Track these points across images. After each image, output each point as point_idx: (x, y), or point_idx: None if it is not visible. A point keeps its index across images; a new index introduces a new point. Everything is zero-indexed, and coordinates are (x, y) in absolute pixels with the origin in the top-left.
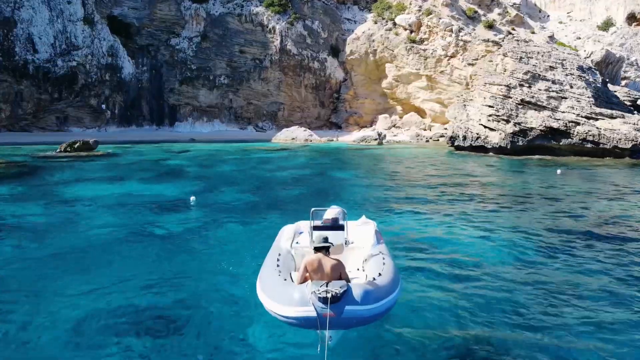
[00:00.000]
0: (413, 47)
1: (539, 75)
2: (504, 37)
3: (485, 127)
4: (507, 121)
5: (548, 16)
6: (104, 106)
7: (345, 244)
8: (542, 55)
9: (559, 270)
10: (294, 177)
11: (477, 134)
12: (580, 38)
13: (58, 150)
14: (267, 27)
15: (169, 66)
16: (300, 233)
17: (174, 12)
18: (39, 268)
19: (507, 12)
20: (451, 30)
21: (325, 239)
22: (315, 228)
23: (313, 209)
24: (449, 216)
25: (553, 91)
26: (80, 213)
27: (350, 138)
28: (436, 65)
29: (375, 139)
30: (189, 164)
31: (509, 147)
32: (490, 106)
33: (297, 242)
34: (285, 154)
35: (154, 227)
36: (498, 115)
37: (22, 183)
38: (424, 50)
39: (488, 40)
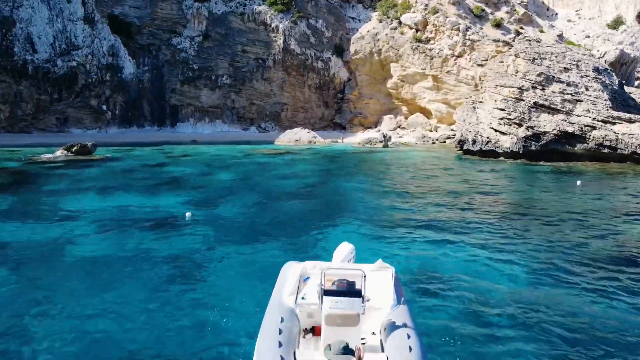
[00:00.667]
0: (419, 46)
1: (553, 77)
2: (515, 37)
3: (496, 130)
4: (520, 125)
5: (556, 14)
6: (104, 107)
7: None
8: (556, 56)
9: (592, 306)
10: (298, 187)
11: (488, 137)
12: (589, 37)
13: (55, 154)
14: (270, 26)
15: (171, 66)
16: (307, 279)
17: (176, 11)
18: (15, 297)
19: (515, 10)
20: (458, 29)
21: (345, 348)
22: (327, 293)
23: (326, 267)
24: (464, 238)
25: (568, 94)
26: (68, 232)
27: (355, 140)
28: (442, 65)
29: (381, 141)
30: (189, 171)
31: (521, 151)
32: (501, 109)
33: (302, 298)
34: (289, 158)
35: (145, 251)
36: (510, 119)
37: (12, 194)
38: (430, 49)
39: (498, 40)
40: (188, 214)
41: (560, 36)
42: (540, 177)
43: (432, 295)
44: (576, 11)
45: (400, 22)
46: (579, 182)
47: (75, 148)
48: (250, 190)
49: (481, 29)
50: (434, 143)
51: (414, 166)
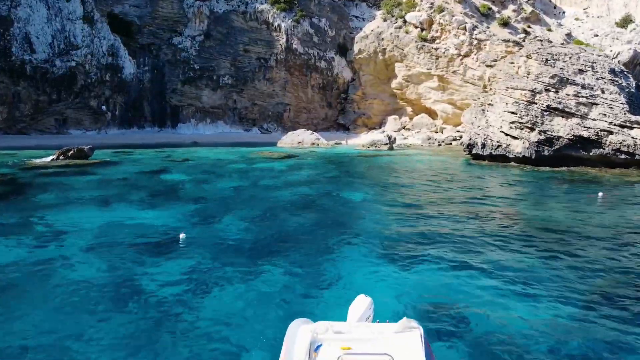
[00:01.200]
0: (424, 45)
1: (567, 79)
2: (525, 37)
3: (507, 134)
4: (532, 129)
5: (563, 12)
6: (104, 107)
7: None
8: (570, 57)
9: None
10: (301, 200)
11: (498, 142)
12: (597, 35)
13: (51, 158)
14: (273, 25)
15: (171, 66)
16: (318, 348)
17: (177, 10)
18: None
19: (523, 8)
20: (465, 28)
21: None
22: None
23: (340, 329)
24: (481, 261)
25: (582, 97)
26: (51, 252)
27: (359, 141)
28: (448, 64)
29: (386, 144)
30: (187, 178)
31: (533, 157)
32: (513, 112)
33: None
34: (291, 163)
35: (132, 280)
36: (521, 122)
37: None
38: (436, 49)
39: (508, 41)
40: (182, 235)
41: (569, 35)
42: (556, 187)
43: (452, 336)
44: (584, 9)
45: (405, 21)
46: (600, 194)
47: (71, 152)
48: (250, 203)
49: (488, 27)
50: (439, 145)
51: (421, 173)
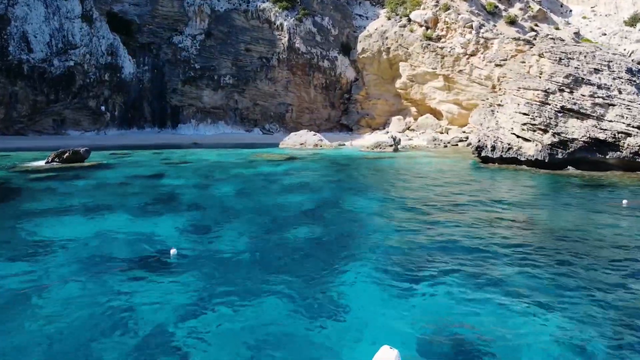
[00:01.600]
0: (429, 44)
1: (582, 79)
2: (535, 36)
3: (518, 137)
4: (545, 131)
5: (570, 11)
6: (103, 108)
7: None
8: (585, 56)
9: None
10: (304, 209)
11: (509, 144)
12: (606, 34)
13: (45, 161)
14: (275, 24)
15: (172, 65)
16: None
17: (177, 9)
18: None
19: (530, 6)
20: (471, 27)
21: None
22: None
23: None
24: (499, 283)
25: (599, 97)
26: (31, 269)
27: (363, 143)
28: (454, 64)
29: (391, 145)
30: (184, 183)
31: (546, 160)
32: (525, 113)
33: None
34: (294, 166)
35: (113, 307)
36: (534, 124)
37: None
38: (441, 48)
39: (519, 39)
40: (173, 251)
41: (577, 34)
42: (575, 193)
43: None
44: (591, 8)
45: (409, 20)
46: (624, 202)
47: (66, 155)
48: (249, 213)
49: (495, 26)
50: (445, 146)
51: (429, 177)
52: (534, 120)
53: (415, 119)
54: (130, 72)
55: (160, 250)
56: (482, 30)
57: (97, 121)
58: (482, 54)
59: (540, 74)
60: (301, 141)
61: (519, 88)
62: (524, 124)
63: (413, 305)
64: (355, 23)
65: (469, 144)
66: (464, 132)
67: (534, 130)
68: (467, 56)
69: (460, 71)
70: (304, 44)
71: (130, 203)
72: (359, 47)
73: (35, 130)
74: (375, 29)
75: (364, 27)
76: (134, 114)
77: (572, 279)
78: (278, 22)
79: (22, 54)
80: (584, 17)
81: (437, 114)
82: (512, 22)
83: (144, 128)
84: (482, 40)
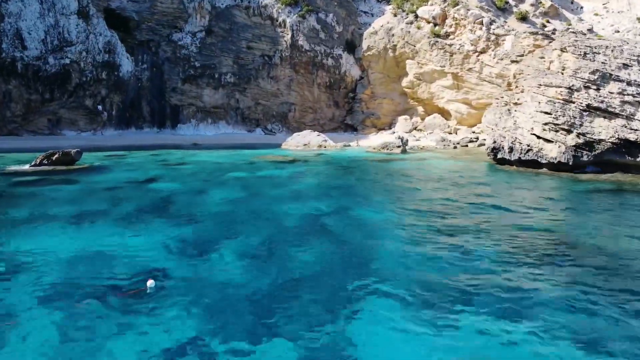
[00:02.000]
0: (437, 41)
1: (610, 74)
2: (554, 30)
3: (538, 137)
4: (569, 131)
5: (581, 7)
6: (100, 107)
7: None
8: (612, 51)
9: None
10: (310, 220)
11: (529, 145)
12: (619, 31)
13: (32, 164)
14: (277, 20)
15: (171, 63)
16: None
17: (177, 5)
18: None
19: (541, 2)
20: (481, 23)
21: None
22: None
23: None
24: (530, 316)
25: (628, 95)
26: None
27: (369, 144)
28: (463, 61)
29: (399, 146)
30: (180, 188)
31: (570, 162)
32: (546, 112)
33: None
34: (297, 169)
35: (84, 349)
36: (557, 124)
37: None
38: (450, 45)
39: (537, 33)
40: (150, 282)
41: (590, 30)
42: (605, 201)
43: None
44: (603, 4)
45: (416, 16)
46: None
47: (56, 156)
48: (248, 226)
49: (505, 22)
50: (455, 147)
51: (443, 181)
52: (557, 119)
53: (423, 119)
54: (128, 70)
55: (145, 271)
56: (492, 27)
57: (94, 121)
58: (493, 51)
59: (563, 69)
60: (305, 142)
61: (540, 85)
62: (546, 124)
63: (436, 340)
64: (360, 20)
65: (480, 145)
66: (473, 132)
67: (557, 131)
68: (477, 53)
69: (469, 69)
70: (308, 41)
71: (115, 213)
72: (364, 45)
73: (30, 131)
74: (381, 26)
75: (369, 24)
76: (132, 114)
77: (614, 305)
78: (281, 19)
79: (16, 51)
80: (596, 14)
81: (445, 114)
82: (523, 18)
83: (143, 128)
84: (492, 37)
